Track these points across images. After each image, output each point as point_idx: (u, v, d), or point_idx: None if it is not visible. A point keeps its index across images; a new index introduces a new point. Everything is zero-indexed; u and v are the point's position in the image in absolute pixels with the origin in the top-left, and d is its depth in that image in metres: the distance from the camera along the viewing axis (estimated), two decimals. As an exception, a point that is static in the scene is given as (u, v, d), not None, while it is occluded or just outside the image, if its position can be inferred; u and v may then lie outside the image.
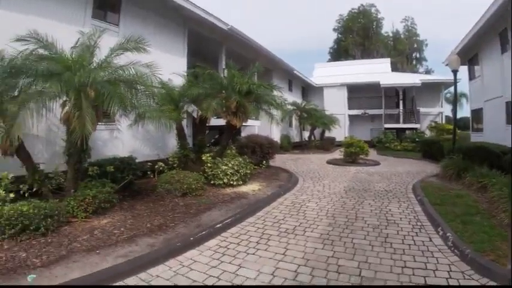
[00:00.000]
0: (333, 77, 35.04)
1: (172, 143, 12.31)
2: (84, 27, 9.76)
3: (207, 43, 16.96)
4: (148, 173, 10.46)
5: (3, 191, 6.28)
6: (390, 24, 66.42)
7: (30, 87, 6.87)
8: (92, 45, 7.51)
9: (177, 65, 13.18)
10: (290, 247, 5.61)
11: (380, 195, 9.43)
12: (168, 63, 8.57)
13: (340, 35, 65.98)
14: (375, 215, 7.49)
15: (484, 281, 4.38)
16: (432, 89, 30.58)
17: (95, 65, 7.28)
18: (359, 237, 6.02)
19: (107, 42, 7.91)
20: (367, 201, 8.74)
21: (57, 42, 7.21)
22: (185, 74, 12.83)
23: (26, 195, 6.83)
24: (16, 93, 6.96)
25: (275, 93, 12.10)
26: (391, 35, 64.92)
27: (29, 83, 6.89)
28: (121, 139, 10.50)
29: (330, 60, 61.03)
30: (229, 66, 11.52)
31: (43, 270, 4.53)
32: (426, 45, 63.57)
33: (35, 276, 4.34)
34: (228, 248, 5.60)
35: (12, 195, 6.34)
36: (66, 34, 7.68)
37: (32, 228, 5.59)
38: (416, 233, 6.30)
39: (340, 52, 63.51)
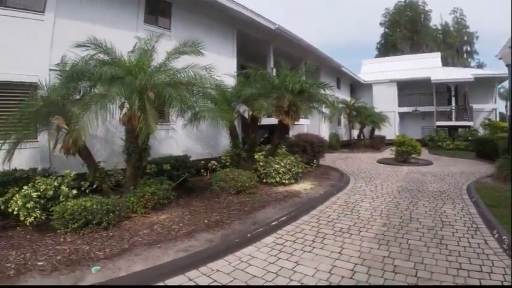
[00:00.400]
0: (382, 73, 33.88)
1: (224, 142, 12.45)
2: (138, 32, 10.14)
3: (254, 42, 16.95)
4: (202, 171, 10.62)
5: (66, 187, 6.57)
6: (438, 17, 63.12)
7: (91, 90, 7.20)
8: (150, 49, 7.73)
9: (227, 65, 13.32)
10: (346, 246, 5.51)
11: (434, 196, 9.05)
12: (219, 65, 8.68)
13: (387, 30, 63.58)
14: (429, 216, 7.21)
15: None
16: (485, 84, 28.51)
17: (153, 68, 7.49)
18: (414, 238, 5.82)
19: (161, 45, 8.09)
20: (421, 202, 8.43)
21: (114, 47, 7.50)
22: (235, 74, 12.94)
23: (87, 191, 7.17)
24: (78, 97, 7.33)
25: (327, 91, 11.87)
26: (439, 27, 61.51)
27: (90, 86, 7.23)
28: (175, 138, 10.75)
29: (377, 56, 58.89)
30: (281, 66, 11.42)
31: (106, 263, 4.68)
32: (477, 37, 59.69)
33: (99, 268, 4.52)
34: (285, 246, 5.57)
35: (74, 191, 6.65)
36: (120, 39, 7.98)
37: (94, 222, 5.84)
38: (471, 235, 6.01)
39: (388, 47, 61.15)
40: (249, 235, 5.80)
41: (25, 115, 6.81)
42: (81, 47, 7.16)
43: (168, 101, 6.72)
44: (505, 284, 4.22)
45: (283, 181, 9.97)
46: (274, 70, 15.92)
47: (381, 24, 64.33)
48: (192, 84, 7.61)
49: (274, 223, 6.46)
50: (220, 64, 8.92)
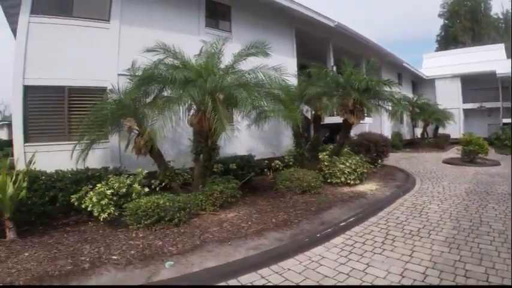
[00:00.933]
0: (444, 68, 31.94)
1: (286, 141, 12.44)
2: (200, 35, 10.49)
3: (312, 41, 16.68)
4: (265, 170, 10.64)
5: (139, 185, 6.89)
6: (499, 5, 58.63)
7: (160, 93, 7.50)
8: (217, 52, 7.90)
9: (288, 65, 13.11)
10: (416, 249, 5.30)
11: (503, 199, 8.45)
12: (280, 65, 8.64)
13: (446, 21, 60.21)
14: (499, 219, 6.76)
15: None
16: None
17: (220, 71, 7.59)
18: (485, 243, 5.49)
19: (224, 48, 8.20)
20: (491, 204, 7.91)
21: (182, 51, 7.75)
22: (296, 74, 12.83)
23: (157, 189, 7.47)
24: (148, 100, 7.66)
25: (390, 89, 11.45)
26: (501, 16, 57.29)
27: (159, 89, 7.53)
28: (239, 138, 10.80)
29: (437, 49, 55.37)
30: (344, 64, 11.13)
31: (179, 258, 4.81)
32: (540, 24, 54.96)
33: (172, 263, 4.64)
34: (354, 247, 5.44)
35: (146, 189, 6.94)
36: (183, 43, 8.16)
37: (166, 219, 6.05)
38: (544, 240, 5.60)
39: (448, 39, 57.36)
40: (318, 235, 5.71)
41: (99, 117, 7.23)
42: (151, 52, 7.50)
43: (240, 102, 6.88)
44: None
45: (348, 181, 9.71)
46: (335, 68, 15.63)
47: (439, 15, 60.80)
48: (260, 85, 7.65)
49: (342, 224, 6.32)
50: (281, 64, 8.89)
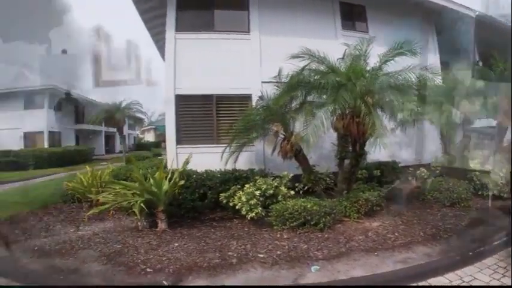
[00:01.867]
0: None
1: (430, 147, 11.62)
2: (337, 39, 10.48)
3: (449, 34, 15.06)
4: (409, 178, 10.18)
5: (285, 188, 7.22)
6: None
7: (305, 98, 7.72)
8: (362, 54, 7.79)
9: (430, 63, 12.27)
10: None
11: None
12: (420, 62, 8.10)
13: None
14: None
15: None
16: None
17: (367, 74, 7.43)
18: None
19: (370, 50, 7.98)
20: None
21: (327, 56, 7.78)
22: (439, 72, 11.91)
23: (300, 192, 7.72)
24: (294, 105, 7.96)
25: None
26: None
27: (304, 95, 7.73)
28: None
29: None
30: (495, 59, 10.02)
31: (325, 264, 4.91)
32: None
33: (318, 267, 4.78)
34: (508, 270, 4.93)
35: (292, 192, 7.23)
36: (322, 47, 8.07)
37: (312, 223, 6.25)
38: None
39: None
40: (470, 254, 5.36)
41: (249, 122, 7.82)
42: (294, 59, 7.71)
43: (396, 105, 6.83)
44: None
45: (501, 194, 8.57)
46: (480, 63, 14.09)
47: None
48: (410, 86, 7.34)
49: (495, 243, 5.80)
50: (422, 63, 8.30)
